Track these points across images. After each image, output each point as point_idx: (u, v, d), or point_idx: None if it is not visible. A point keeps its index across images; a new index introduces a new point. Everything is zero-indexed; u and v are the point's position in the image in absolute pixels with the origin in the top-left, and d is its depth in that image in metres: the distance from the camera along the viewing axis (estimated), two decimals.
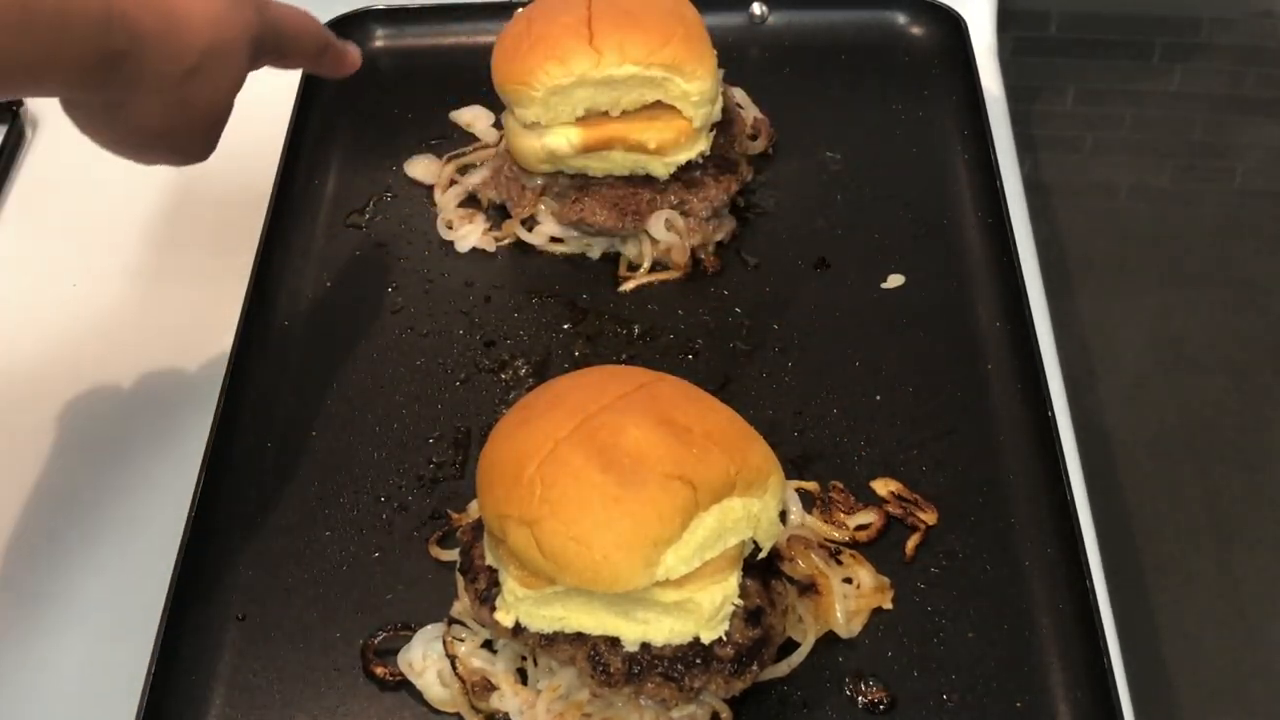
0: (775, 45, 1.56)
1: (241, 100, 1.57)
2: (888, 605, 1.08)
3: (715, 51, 1.31)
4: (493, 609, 1.01)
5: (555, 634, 0.99)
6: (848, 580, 1.08)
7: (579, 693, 1.01)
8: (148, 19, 0.93)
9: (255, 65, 1.07)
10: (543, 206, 1.35)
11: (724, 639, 0.99)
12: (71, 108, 1.00)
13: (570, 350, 1.28)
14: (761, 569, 1.04)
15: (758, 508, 0.98)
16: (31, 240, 1.46)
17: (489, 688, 1.03)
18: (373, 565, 1.12)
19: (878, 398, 1.22)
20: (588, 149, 1.30)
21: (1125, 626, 1.11)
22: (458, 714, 1.03)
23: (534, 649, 1.01)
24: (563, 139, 1.29)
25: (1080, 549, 1.07)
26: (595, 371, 1.07)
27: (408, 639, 1.06)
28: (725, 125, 1.36)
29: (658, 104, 1.30)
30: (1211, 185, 1.84)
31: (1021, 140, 1.53)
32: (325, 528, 1.15)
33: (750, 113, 1.46)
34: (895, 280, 1.32)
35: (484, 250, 1.37)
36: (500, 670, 1.03)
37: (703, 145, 1.33)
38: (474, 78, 1.44)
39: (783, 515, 1.06)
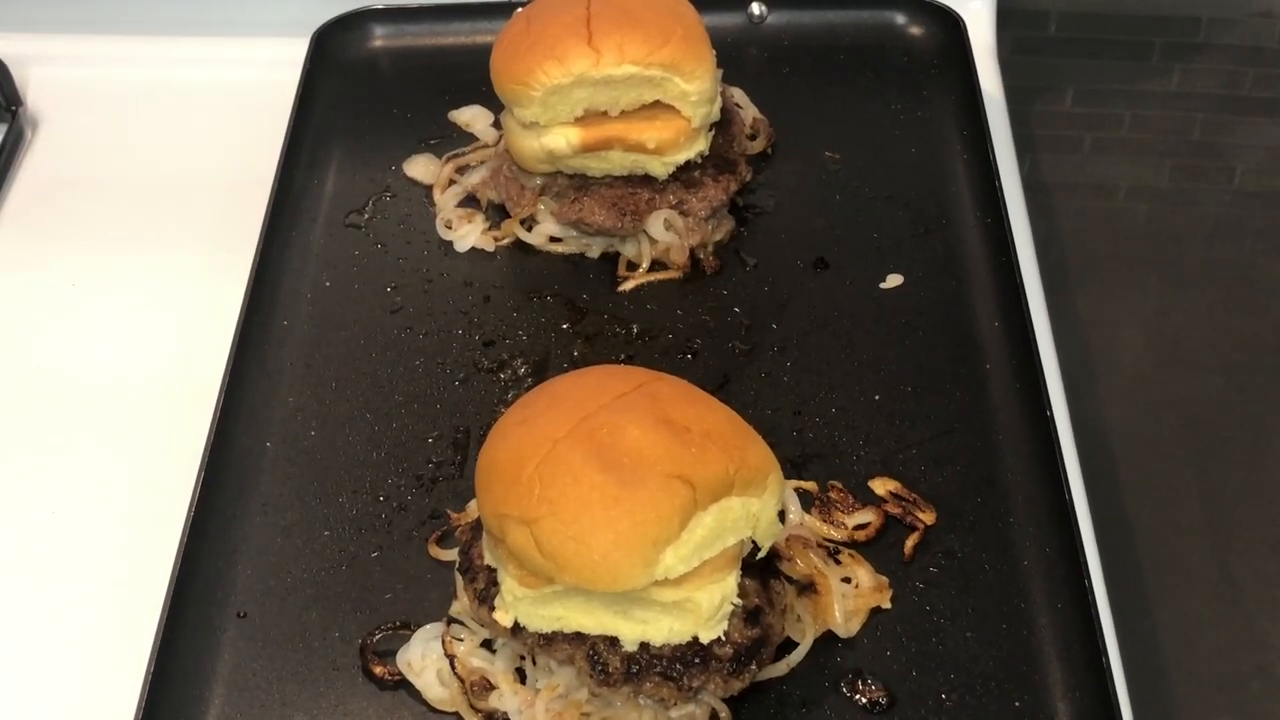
0: (774, 45, 1.56)
1: (241, 100, 1.59)
2: (886, 605, 1.08)
3: (714, 51, 1.31)
4: (491, 608, 1.01)
5: (554, 633, 0.99)
6: (846, 580, 1.08)
7: (578, 692, 1.01)
8: None
9: None
10: (542, 206, 1.35)
11: (723, 638, 0.99)
12: None
13: (569, 350, 1.28)
14: (760, 568, 1.04)
15: (756, 507, 0.98)
16: (30, 240, 1.46)
17: (488, 687, 1.03)
18: (372, 564, 1.12)
19: (876, 397, 1.22)
20: (587, 149, 1.30)
21: (1124, 626, 1.11)
22: (456, 713, 1.03)
23: (533, 648, 1.01)
24: (561, 139, 1.29)
25: (1079, 548, 1.07)
26: (594, 371, 1.07)
27: (406, 638, 1.06)
28: (724, 125, 1.37)
29: (657, 104, 1.30)
30: (1210, 185, 1.84)
31: (1020, 140, 1.52)
32: (324, 527, 1.15)
33: (749, 112, 1.46)
34: (894, 280, 1.32)
35: (483, 250, 1.37)
36: (499, 670, 1.03)
37: (702, 145, 1.33)
38: (473, 77, 1.44)
39: (781, 515, 1.06)
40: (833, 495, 1.14)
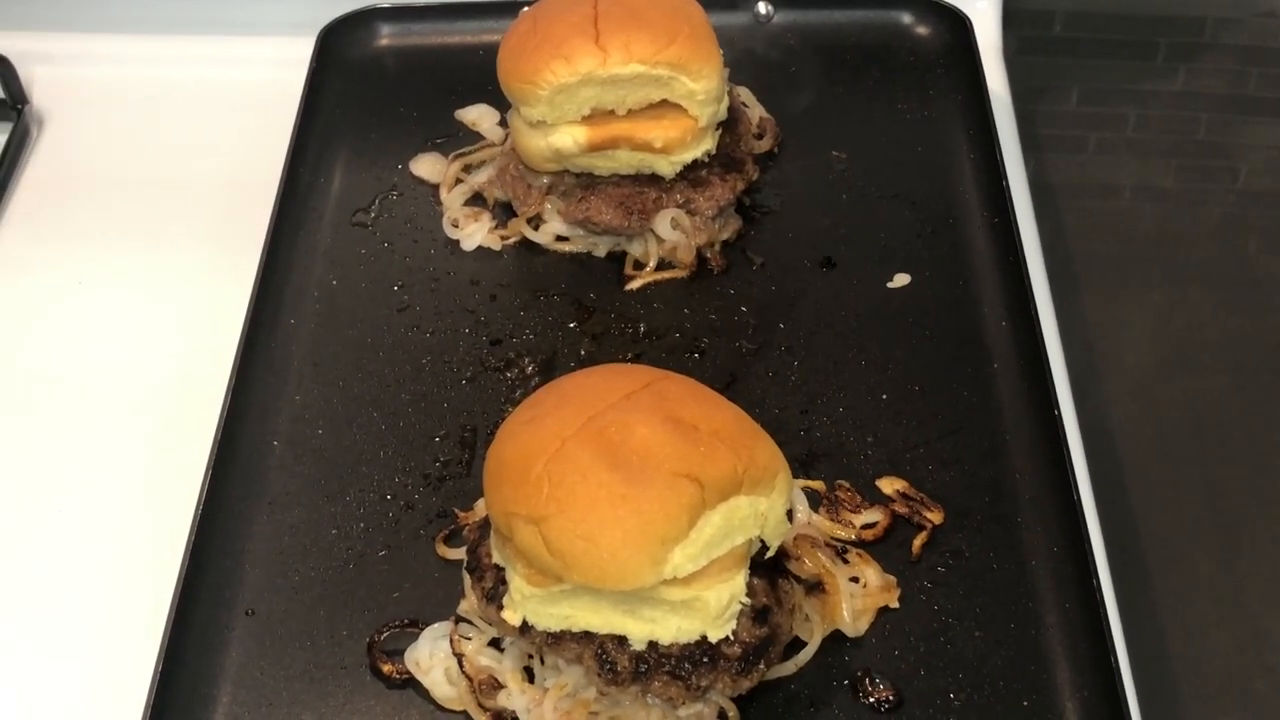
0: (781, 44, 1.56)
1: (247, 99, 1.59)
2: (894, 604, 1.08)
3: (721, 50, 1.31)
4: (500, 607, 1.01)
5: (562, 632, 0.99)
6: (854, 579, 1.08)
7: (586, 691, 1.01)
8: None
9: None
10: (549, 205, 1.35)
11: (731, 638, 0.99)
12: None
13: (576, 349, 1.28)
14: (768, 568, 1.04)
15: (765, 506, 0.98)
16: (37, 239, 1.46)
17: (496, 686, 1.03)
18: (379, 563, 1.12)
19: (884, 397, 1.22)
20: (593, 148, 1.30)
21: (1131, 625, 1.11)
22: (464, 712, 1.04)
23: (541, 647, 1.01)
24: (568, 138, 1.29)
25: (1086, 548, 1.07)
26: (602, 370, 1.07)
27: (414, 637, 1.06)
28: (731, 124, 1.36)
29: (663, 103, 1.30)
30: (1215, 185, 1.84)
31: (1026, 139, 1.52)
32: (332, 526, 1.15)
33: (756, 112, 1.46)
34: (901, 279, 1.32)
35: (490, 249, 1.37)
36: (507, 668, 1.03)
37: (708, 144, 1.33)
38: (480, 76, 1.44)
39: (789, 514, 1.06)
40: (840, 494, 1.14)
